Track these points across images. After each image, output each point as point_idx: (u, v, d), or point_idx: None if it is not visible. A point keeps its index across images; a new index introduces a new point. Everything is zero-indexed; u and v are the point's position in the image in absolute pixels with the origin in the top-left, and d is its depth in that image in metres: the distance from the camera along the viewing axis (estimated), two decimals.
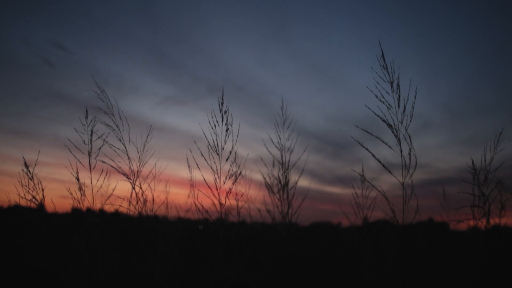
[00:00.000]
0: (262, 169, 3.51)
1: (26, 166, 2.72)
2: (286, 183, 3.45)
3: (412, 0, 12.16)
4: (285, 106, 3.53)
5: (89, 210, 3.02)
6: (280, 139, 3.49)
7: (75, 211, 2.86)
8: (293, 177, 3.47)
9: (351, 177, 3.61)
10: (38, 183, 2.75)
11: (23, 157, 2.71)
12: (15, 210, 2.90)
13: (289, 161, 3.46)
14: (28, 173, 2.71)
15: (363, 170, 3.14)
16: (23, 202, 2.72)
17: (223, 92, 2.74)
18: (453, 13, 12.00)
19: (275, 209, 3.44)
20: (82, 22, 11.79)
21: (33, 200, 2.72)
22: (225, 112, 2.75)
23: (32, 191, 2.72)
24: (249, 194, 3.61)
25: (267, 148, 3.45)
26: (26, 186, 2.71)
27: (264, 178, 3.46)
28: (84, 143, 2.73)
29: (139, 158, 2.88)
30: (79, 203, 2.79)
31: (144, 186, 2.91)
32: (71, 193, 2.75)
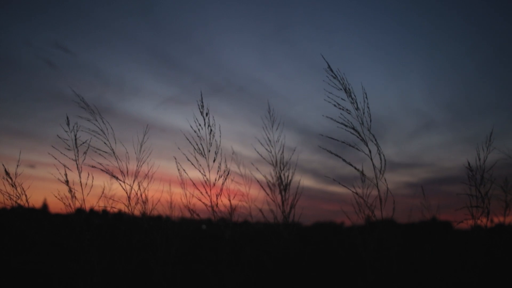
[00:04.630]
0: (263, 169, 3.54)
1: (7, 173, 2.73)
2: (286, 184, 3.48)
3: (414, 1, 12.11)
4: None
5: (92, 211, 3.02)
6: (269, 141, 3.60)
7: (79, 212, 2.87)
8: (292, 177, 3.53)
9: (354, 177, 3.60)
10: (21, 190, 2.75)
11: (3, 165, 2.73)
12: (18, 211, 2.91)
13: (281, 161, 3.55)
14: (9, 180, 2.73)
15: (362, 170, 3.12)
16: (7, 204, 2.72)
17: (201, 96, 2.87)
18: (454, 14, 11.94)
19: (274, 209, 3.48)
20: (84, 23, 11.83)
21: (16, 204, 2.73)
22: (207, 114, 2.86)
23: (17, 198, 2.73)
24: (250, 194, 3.62)
25: (256, 150, 3.58)
26: (6, 192, 2.71)
27: (258, 181, 3.55)
28: (69, 149, 2.78)
29: (137, 158, 2.93)
30: (76, 204, 2.79)
31: (142, 187, 2.93)
32: (64, 195, 2.77)
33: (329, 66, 2.55)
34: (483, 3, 12.29)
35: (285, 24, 13.45)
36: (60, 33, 12.26)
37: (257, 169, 3.53)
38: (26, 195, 2.76)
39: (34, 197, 2.89)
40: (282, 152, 3.54)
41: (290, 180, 3.53)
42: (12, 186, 2.73)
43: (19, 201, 2.73)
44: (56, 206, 2.85)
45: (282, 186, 3.50)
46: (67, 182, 2.77)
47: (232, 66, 13.54)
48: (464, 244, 3.25)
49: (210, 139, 2.85)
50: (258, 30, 13.54)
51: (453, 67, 13.15)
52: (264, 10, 12.78)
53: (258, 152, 3.54)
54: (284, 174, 3.53)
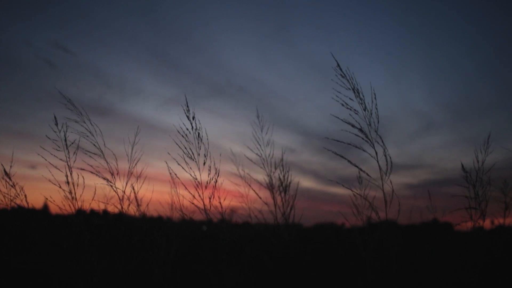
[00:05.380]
0: (263, 170, 3.56)
1: (6, 173, 2.74)
2: (286, 185, 3.50)
3: (414, 1, 12.12)
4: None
5: (93, 211, 3.02)
6: (260, 145, 3.68)
7: (79, 212, 2.87)
8: (290, 179, 3.59)
9: (355, 178, 3.61)
10: (19, 189, 2.76)
11: (2, 166, 2.73)
12: (18, 212, 2.91)
13: (281, 163, 3.61)
14: (9, 180, 2.73)
15: (360, 172, 3.13)
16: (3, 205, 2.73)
17: (186, 100, 2.84)
18: (454, 14, 11.95)
19: (274, 210, 3.50)
20: (84, 23, 11.82)
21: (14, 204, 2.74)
22: (193, 118, 2.86)
23: (14, 198, 2.74)
24: (250, 195, 3.63)
25: (246, 156, 3.64)
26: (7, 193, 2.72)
27: (250, 186, 3.61)
28: (59, 149, 2.78)
29: (128, 160, 2.95)
30: (71, 205, 2.80)
31: (134, 188, 2.93)
32: (63, 196, 2.77)
33: (338, 65, 2.49)
34: (483, 3, 12.30)
35: (285, 24, 13.45)
36: (60, 33, 12.25)
37: (248, 174, 3.60)
38: (25, 195, 2.76)
39: (35, 198, 2.89)
40: (273, 155, 3.62)
41: (290, 182, 3.55)
42: (12, 186, 2.73)
43: (17, 201, 2.73)
44: (56, 206, 2.85)
45: (281, 187, 3.52)
46: (67, 183, 2.77)
47: (232, 66, 13.54)
48: (464, 244, 3.25)
49: (198, 142, 2.85)
50: (258, 30, 13.53)
51: (453, 67, 13.14)
52: (264, 10, 12.78)
53: (248, 158, 3.63)
54: (284, 176, 3.55)
